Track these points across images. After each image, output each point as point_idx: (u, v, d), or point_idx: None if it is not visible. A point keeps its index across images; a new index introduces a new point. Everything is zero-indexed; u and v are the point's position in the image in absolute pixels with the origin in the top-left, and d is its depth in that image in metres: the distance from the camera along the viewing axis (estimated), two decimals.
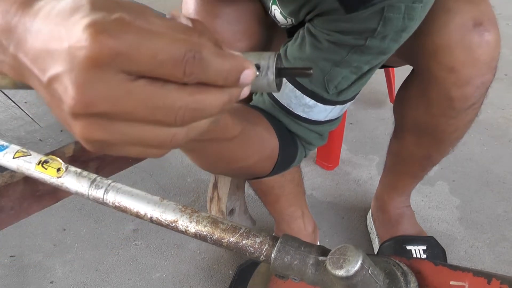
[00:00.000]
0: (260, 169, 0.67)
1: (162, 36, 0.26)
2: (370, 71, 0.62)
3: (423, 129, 0.83)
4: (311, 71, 0.34)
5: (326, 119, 0.66)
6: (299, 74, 0.36)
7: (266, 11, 0.73)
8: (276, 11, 0.69)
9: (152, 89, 0.27)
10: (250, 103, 0.71)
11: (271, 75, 0.34)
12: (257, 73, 0.34)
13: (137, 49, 0.26)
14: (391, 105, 0.95)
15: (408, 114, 0.85)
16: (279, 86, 0.36)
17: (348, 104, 0.66)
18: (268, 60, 0.34)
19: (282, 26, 0.72)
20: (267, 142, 0.63)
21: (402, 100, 0.87)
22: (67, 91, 0.26)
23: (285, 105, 0.65)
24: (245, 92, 0.32)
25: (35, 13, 0.29)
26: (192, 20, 0.31)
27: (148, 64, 0.26)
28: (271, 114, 0.67)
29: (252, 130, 0.60)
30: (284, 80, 0.65)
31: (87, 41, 0.25)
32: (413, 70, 0.82)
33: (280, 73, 0.35)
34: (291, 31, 0.75)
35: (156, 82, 0.27)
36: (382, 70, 1.49)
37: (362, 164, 1.42)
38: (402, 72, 0.91)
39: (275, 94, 0.66)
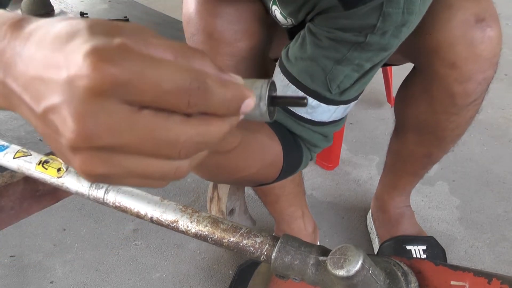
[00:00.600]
0: (264, 176, 0.67)
1: (167, 64, 0.25)
2: (372, 69, 0.62)
3: (424, 126, 0.83)
4: (305, 100, 0.33)
5: (330, 119, 0.66)
6: (292, 104, 0.35)
7: (267, 10, 0.73)
8: (276, 11, 0.69)
9: (156, 122, 0.25)
10: None
11: (264, 106, 0.33)
12: None
13: (141, 78, 0.24)
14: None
15: (410, 111, 0.85)
16: (272, 115, 0.34)
17: (352, 104, 0.66)
18: (261, 90, 0.32)
19: (283, 26, 0.72)
20: (269, 149, 0.63)
21: (404, 98, 0.87)
22: (66, 123, 0.24)
23: (288, 107, 0.65)
24: (241, 118, 0.31)
25: (26, 37, 0.27)
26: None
27: (152, 94, 0.25)
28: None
29: (252, 139, 0.59)
30: (286, 81, 0.65)
31: (88, 69, 0.23)
32: (414, 67, 0.82)
33: (273, 102, 0.33)
34: (291, 31, 0.75)
35: (160, 114, 0.26)
36: (381, 69, 1.49)
37: (362, 164, 1.42)
38: (401, 72, 0.91)
39: None
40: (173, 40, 0.28)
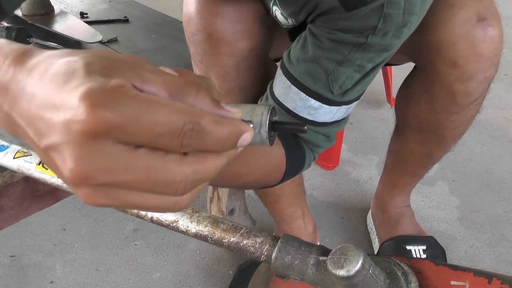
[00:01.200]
0: (268, 180, 0.67)
1: (161, 107, 0.25)
2: (374, 69, 0.62)
3: (425, 125, 0.83)
4: (305, 127, 0.34)
5: (332, 120, 0.66)
6: (293, 130, 0.35)
7: (267, 11, 0.73)
8: (277, 11, 0.69)
9: (152, 161, 0.26)
10: None
11: (264, 133, 0.33)
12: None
13: (135, 122, 0.25)
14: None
15: (411, 111, 0.85)
16: (272, 140, 0.35)
17: (354, 104, 0.66)
18: (261, 117, 0.33)
19: (284, 27, 0.72)
20: (271, 154, 0.63)
21: (404, 97, 0.87)
22: (65, 163, 0.25)
23: (290, 109, 0.65)
24: (241, 149, 0.32)
25: (28, 72, 0.27)
26: (177, 71, 0.31)
27: (146, 136, 0.25)
28: None
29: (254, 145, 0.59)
30: (288, 83, 0.65)
31: (83, 114, 0.24)
32: (415, 67, 0.82)
33: (274, 127, 0.34)
34: (292, 32, 0.75)
35: (155, 153, 0.26)
36: (381, 69, 1.49)
37: (362, 164, 1.42)
38: (401, 72, 0.91)
39: (280, 98, 0.66)
40: (168, 74, 0.28)
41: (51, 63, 0.27)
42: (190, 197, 0.30)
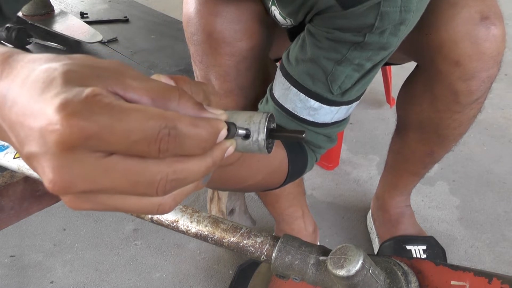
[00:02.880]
0: (270, 182, 0.67)
1: (136, 114, 0.25)
2: (373, 68, 0.62)
3: (427, 125, 0.83)
4: (303, 135, 0.33)
5: (333, 120, 0.66)
6: (291, 138, 0.35)
7: (267, 11, 0.73)
8: (275, 11, 0.69)
9: (129, 164, 0.26)
10: None
11: (262, 141, 0.33)
12: (247, 140, 0.33)
13: (110, 131, 0.25)
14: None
15: (412, 110, 0.85)
16: (270, 147, 0.34)
17: (354, 104, 0.66)
18: (259, 124, 0.33)
19: (283, 27, 0.72)
20: (273, 156, 0.63)
21: (406, 96, 0.87)
22: (45, 173, 0.26)
23: (290, 110, 0.65)
24: (230, 151, 0.31)
25: (12, 77, 0.28)
26: (173, 78, 0.31)
27: (122, 144, 0.25)
28: (276, 123, 0.66)
29: None
30: (288, 84, 0.65)
31: (58, 125, 0.24)
32: (417, 66, 0.82)
33: (271, 135, 0.34)
34: (292, 32, 0.75)
35: (132, 157, 0.26)
36: (380, 69, 1.49)
37: (362, 164, 1.42)
38: (401, 72, 0.91)
39: (280, 99, 0.66)
40: (151, 80, 0.28)
41: (33, 69, 0.27)
42: (174, 200, 0.30)
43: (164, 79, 0.30)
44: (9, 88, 0.27)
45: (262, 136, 0.33)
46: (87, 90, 0.25)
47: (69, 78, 0.26)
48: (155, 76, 0.30)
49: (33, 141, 0.26)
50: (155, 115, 0.26)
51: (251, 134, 0.33)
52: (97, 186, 0.26)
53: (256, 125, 0.33)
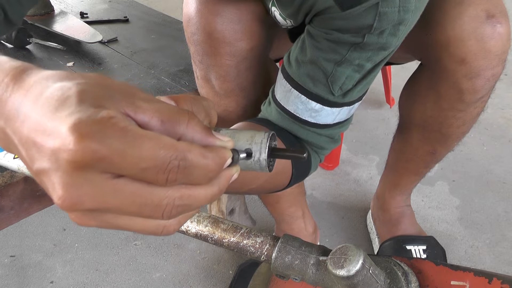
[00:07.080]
0: (274, 185, 0.67)
1: (148, 142, 0.26)
2: (374, 69, 0.62)
3: (430, 123, 0.83)
4: (305, 154, 0.34)
5: (335, 121, 0.66)
6: (292, 157, 0.35)
7: (267, 11, 0.73)
8: (276, 12, 0.69)
9: (137, 188, 0.27)
10: (258, 116, 0.71)
11: (263, 161, 0.33)
12: (249, 160, 0.33)
13: (121, 155, 0.25)
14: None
15: (416, 108, 0.85)
16: (272, 166, 0.35)
17: (356, 105, 0.66)
18: (261, 145, 0.33)
19: (283, 27, 0.72)
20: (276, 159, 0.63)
21: (410, 95, 0.86)
22: (54, 189, 0.26)
23: (292, 112, 0.65)
24: (235, 177, 0.32)
25: (25, 92, 0.28)
26: (173, 98, 0.31)
27: (131, 170, 0.26)
28: (279, 126, 0.66)
29: None
30: (289, 86, 0.65)
31: (71, 145, 0.24)
32: (420, 64, 0.82)
33: (273, 154, 0.34)
34: (292, 32, 0.75)
35: (140, 181, 0.27)
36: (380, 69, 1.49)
37: (362, 164, 1.42)
38: (401, 72, 0.91)
39: (282, 102, 0.66)
40: (161, 102, 0.29)
41: (47, 86, 0.27)
42: (178, 223, 0.30)
43: (164, 100, 0.31)
44: (22, 102, 0.28)
45: (264, 155, 0.33)
46: (103, 112, 0.25)
47: (84, 98, 0.26)
48: (162, 98, 0.31)
49: (45, 158, 0.26)
50: (167, 145, 0.26)
51: (253, 154, 0.33)
52: (105, 206, 0.27)
53: (258, 145, 0.33)
